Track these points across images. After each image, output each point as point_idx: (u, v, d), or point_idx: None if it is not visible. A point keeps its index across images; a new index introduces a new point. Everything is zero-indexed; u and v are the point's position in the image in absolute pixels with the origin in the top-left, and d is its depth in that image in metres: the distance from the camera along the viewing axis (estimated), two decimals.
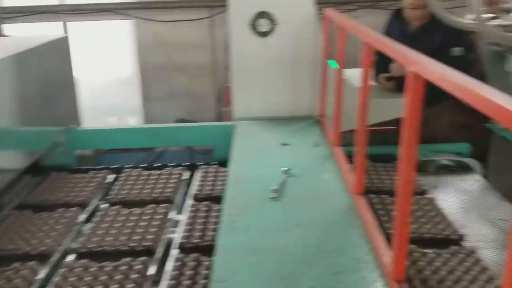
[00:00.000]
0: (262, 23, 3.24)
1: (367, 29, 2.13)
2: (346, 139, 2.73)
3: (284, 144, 2.89)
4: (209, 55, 5.80)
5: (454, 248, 1.90)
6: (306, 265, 1.76)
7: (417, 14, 3.09)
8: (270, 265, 1.75)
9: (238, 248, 1.84)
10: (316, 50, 3.26)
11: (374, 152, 2.84)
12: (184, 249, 2.03)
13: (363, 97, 2.19)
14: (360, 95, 2.20)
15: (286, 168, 2.49)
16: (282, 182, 2.37)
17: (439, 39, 3.01)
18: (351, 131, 2.42)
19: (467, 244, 2.01)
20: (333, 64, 2.96)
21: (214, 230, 2.11)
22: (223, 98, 5.55)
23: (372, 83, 3.45)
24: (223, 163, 2.81)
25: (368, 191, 2.34)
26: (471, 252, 1.86)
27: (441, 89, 1.37)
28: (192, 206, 2.39)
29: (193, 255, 1.94)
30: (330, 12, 3.03)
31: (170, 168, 2.88)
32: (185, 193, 2.64)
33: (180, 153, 5.39)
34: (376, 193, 2.37)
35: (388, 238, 1.79)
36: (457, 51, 2.98)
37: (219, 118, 5.64)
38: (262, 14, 3.24)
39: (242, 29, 3.24)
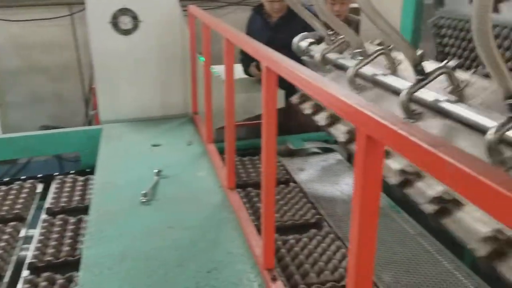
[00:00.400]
0: (124, 21, 3.14)
1: (227, 26, 2.18)
2: (222, 135, 2.77)
3: (155, 145, 2.85)
4: (74, 55, 5.47)
5: (313, 231, 2.03)
6: (179, 266, 1.76)
7: (276, 7, 3.23)
8: (141, 272, 1.71)
9: (106, 259, 1.77)
10: (186, 47, 3.25)
11: (247, 146, 2.94)
12: (36, 268, 1.86)
13: (228, 92, 2.23)
14: (225, 90, 2.24)
15: (157, 170, 2.45)
16: (153, 184, 2.33)
17: (299, 27, 3.17)
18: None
19: (329, 220, 2.15)
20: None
21: (70, 245, 1.99)
22: (91, 100, 5.28)
23: (244, 76, 3.56)
24: (92, 170, 2.68)
25: (240, 185, 2.40)
26: (327, 234, 2.01)
27: None
28: (45, 221, 2.21)
29: (45, 275, 1.79)
30: (194, 8, 3.04)
31: (21, 181, 2.63)
32: (39, 208, 2.43)
33: (48, 163, 5.02)
34: (247, 187, 2.43)
35: (260, 230, 1.86)
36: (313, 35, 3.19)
37: (90, 122, 5.35)
38: (123, 11, 3.14)
39: (103, 27, 3.11)
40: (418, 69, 1.39)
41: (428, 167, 0.78)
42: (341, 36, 2.06)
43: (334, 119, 2.05)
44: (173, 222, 2.04)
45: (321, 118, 2.20)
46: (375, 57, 1.71)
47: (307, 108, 2.26)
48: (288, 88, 2.35)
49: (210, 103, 2.79)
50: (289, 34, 3.10)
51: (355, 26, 3.56)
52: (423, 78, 1.39)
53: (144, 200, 2.19)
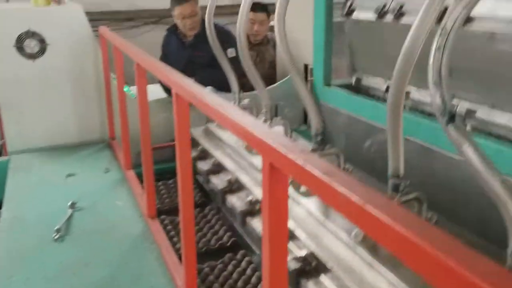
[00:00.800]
0: (30, 44, 3.03)
1: (138, 50, 2.17)
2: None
3: (70, 175, 2.75)
4: None
5: (229, 255, 2.02)
6: None
7: (188, 24, 3.26)
8: None
9: None
10: (100, 68, 3.19)
11: (166, 169, 2.90)
12: None
13: (143, 116, 2.21)
14: (140, 114, 2.22)
15: (71, 202, 2.37)
16: (67, 218, 2.24)
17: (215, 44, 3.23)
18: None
19: (248, 239, 2.11)
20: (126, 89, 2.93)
21: None
22: None
23: (166, 95, 3.53)
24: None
25: (161, 212, 2.37)
26: (243, 256, 2.01)
27: None
28: None
29: None
30: (104, 30, 3.00)
31: None
32: None
33: None
34: (160, 214, 2.38)
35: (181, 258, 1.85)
36: (229, 52, 3.27)
37: (0, 153, 5.05)
38: (28, 34, 3.02)
39: (7, 51, 2.98)
40: (317, 139, 1.50)
41: (322, 195, 0.83)
42: (247, 100, 2.16)
43: (217, 168, 2.09)
44: (90, 258, 1.97)
45: (204, 164, 2.25)
46: (274, 125, 1.81)
47: (193, 151, 2.31)
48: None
49: (126, 127, 2.75)
50: (207, 52, 3.15)
51: (273, 45, 3.68)
52: (317, 148, 1.50)
53: (57, 236, 2.10)
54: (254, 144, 1.07)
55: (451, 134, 1.02)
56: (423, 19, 1.03)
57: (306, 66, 2.92)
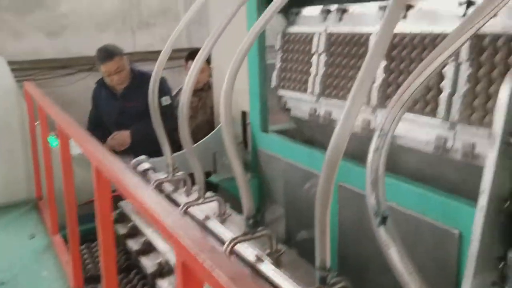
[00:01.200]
0: None
1: (62, 115, 2.13)
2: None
3: None
4: None
5: None
6: None
7: (116, 80, 3.26)
8: None
9: None
10: (26, 122, 3.10)
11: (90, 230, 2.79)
12: None
13: (66, 176, 2.15)
14: (63, 175, 2.15)
15: None
16: None
17: (147, 93, 3.25)
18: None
19: None
20: (51, 140, 2.85)
21: None
22: None
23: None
24: None
25: (84, 280, 2.28)
26: None
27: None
28: None
29: None
30: (29, 86, 2.94)
31: None
32: None
33: None
34: (90, 282, 2.28)
35: None
36: (164, 100, 3.29)
37: None
38: None
39: None
40: (248, 222, 1.54)
41: None
42: (181, 173, 2.17)
43: (148, 248, 2.06)
44: None
45: (135, 243, 2.20)
46: (208, 202, 1.85)
47: (121, 228, 2.27)
48: None
49: (52, 186, 2.66)
50: (140, 102, 3.14)
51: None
52: (249, 231, 1.54)
53: None
54: (167, 238, 1.07)
55: (381, 235, 1.07)
56: (344, 125, 1.10)
57: (244, 113, 2.97)
